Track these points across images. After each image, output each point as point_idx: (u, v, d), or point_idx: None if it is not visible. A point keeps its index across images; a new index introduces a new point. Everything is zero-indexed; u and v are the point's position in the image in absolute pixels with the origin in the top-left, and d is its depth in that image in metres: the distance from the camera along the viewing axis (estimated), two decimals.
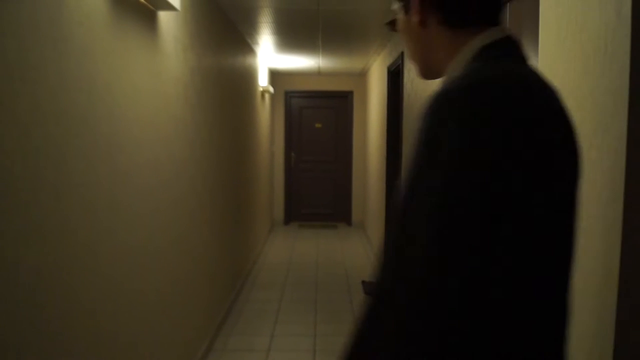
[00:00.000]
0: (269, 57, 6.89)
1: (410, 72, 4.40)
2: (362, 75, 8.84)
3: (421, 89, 3.90)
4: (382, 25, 4.89)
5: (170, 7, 2.49)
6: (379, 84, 6.65)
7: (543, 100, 0.80)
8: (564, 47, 1.73)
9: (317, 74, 8.64)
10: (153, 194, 2.57)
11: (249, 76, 5.98)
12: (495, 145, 0.75)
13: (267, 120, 7.80)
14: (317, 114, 8.95)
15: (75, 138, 1.78)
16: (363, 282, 5.60)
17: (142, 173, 2.41)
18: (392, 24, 0.97)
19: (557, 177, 0.79)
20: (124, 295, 2.21)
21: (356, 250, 7.24)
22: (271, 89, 7.25)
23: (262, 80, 7.03)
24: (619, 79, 1.42)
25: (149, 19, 2.49)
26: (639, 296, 1.38)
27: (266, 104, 7.68)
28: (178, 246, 3.04)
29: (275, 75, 8.79)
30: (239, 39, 5.27)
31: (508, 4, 2.53)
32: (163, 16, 2.71)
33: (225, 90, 4.49)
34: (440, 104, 0.78)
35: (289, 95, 9.00)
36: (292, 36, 5.54)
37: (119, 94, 2.14)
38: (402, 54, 4.81)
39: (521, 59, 0.87)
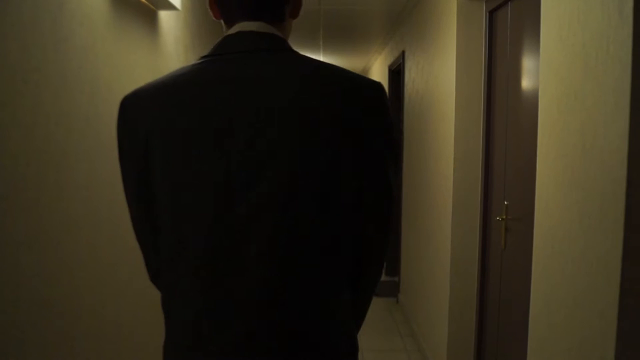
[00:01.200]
0: None
1: (412, 71, 4.40)
2: (363, 75, 8.82)
3: (422, 88, 3.90)
4: (382, 25, 4.89)
5: (171, 7, 2.48)
6: None
7: (196, 92, 0.98)
8: (566, 46, 1.73)
9: None
10: None
11: None
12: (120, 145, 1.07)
13: None
14: None
15: (78, 139, 1.78)
16: None
17: None
18: None
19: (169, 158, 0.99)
20: (127, 295, 2.21)
21: None
22: None
23: None
24: (621, 78, 1.41)
25: (149, 19, 2.49)
26: None
27: None
28: None
29: None
30: None
31: (509, 3, 2.53)
32: (164, 16, 2.70)
33: None
34: None
35: None
36: (293, 35, 5.54)
37: (120, 94, 2.14)
38: (403, 53, 4.81)
39: (224, 54, 1.04)
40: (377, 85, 1.04)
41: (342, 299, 1.02)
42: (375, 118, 1.02)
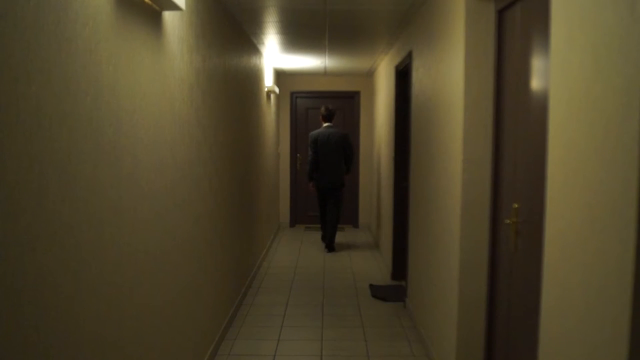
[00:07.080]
0: (275, 57, 6.88)
1: (419, 71, 4.38)
2: (369, 75, 8.82)
3: (430, 88, 3.87)
4: (389, 24, 4.86)
5: (175, 7, 2.47)
6: (387, 83, 6.62)
7: (321, 135, 7.17)
8: (576, 46, 1.70)
9: (323, 74, 8.62)
10: (158, 197, 2.56)
11: (255, 77, 5.97)
12: (310, 143, 7.26)
13: (272, 121, 7.79)
14: None
15: (80, 140, 1.77)
16: (370, 285, 5.57)
17: (147, 176, 2.39)
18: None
19: (319, 146, 7.20)
20: (129, 299, 2.20)
21: (363, 253, 7.22)
22: (277, 90, 7.23)
23: (268, 81, 7.02)
24: (632, 77, 1.39)
25: (153, 19, 2.48)
26: None
27: (272, 104, 7.67)
28: (183, 249, 3.03)
29: (280, 76, 8.77)
30: (245, 39, 5.26)
31: (518, 2, 2.50)
32: (168, 16, 2.69)
33: (230, 91, 4.48)
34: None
35: (294, 96, 8.99)
36: (298, 36, 5.52)
37: (124, 95, 2.12)
38: (410, 52, 4.78)
39: (330, 128, 7.25)
40: (347, 133, 7.34)
41: (342, 168, 7.27)
42: (347, 141, 7.21)
